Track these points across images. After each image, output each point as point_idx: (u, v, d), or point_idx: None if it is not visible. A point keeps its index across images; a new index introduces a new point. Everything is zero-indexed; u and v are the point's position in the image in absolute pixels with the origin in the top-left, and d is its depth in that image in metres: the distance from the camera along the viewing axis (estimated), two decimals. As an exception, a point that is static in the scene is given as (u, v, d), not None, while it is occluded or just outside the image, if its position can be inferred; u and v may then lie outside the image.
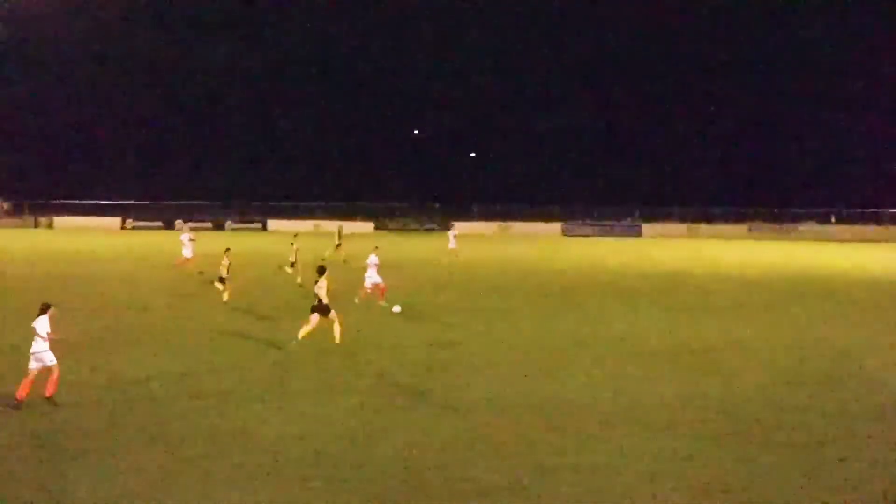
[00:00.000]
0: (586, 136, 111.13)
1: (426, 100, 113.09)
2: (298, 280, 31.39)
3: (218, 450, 12.42)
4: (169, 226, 79.66)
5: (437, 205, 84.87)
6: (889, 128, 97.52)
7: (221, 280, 27.65)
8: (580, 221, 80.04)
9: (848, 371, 18.44)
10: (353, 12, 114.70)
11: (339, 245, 41.65)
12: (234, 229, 79.31)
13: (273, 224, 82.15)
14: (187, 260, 35.74)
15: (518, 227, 78.78)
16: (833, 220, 79.21)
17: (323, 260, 29.94)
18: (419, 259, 45.89)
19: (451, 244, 44.32)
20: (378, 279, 26.98)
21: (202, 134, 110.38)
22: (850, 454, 12.60)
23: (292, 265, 32.49)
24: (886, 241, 69.31)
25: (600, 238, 72.48)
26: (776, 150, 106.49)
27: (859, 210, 79.47)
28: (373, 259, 27.11)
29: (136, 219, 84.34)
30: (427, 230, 78.97)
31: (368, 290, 26.92)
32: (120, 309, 26.05)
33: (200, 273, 33.87)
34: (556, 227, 78.75)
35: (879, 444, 13.06)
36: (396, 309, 24.62)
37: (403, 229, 79.40)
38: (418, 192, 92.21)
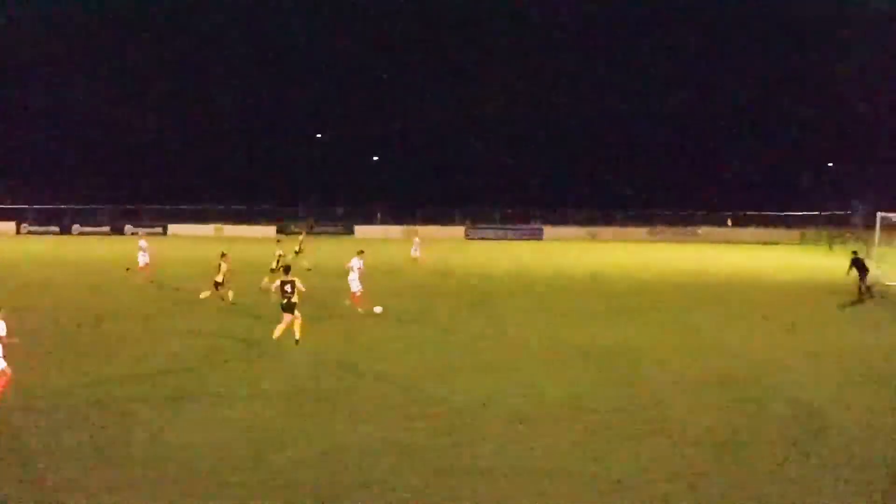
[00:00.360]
0: (489, 139, 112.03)
1: (330, 102, 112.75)
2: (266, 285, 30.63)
3: (126, 456, 12.28)
4: (66, 230, 78.01)
5: (339, 209, 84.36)
6: (784, 134, 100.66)
7: (216, 285, 27.73)
8: (483, 225, 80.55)
9: (753, 371, 19.01)
10: (251, 11, 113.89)
11: (299, 251, 39.07)
12: (133, 234, 77.71)
13: (174, 228, 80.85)
14: (146, 266, 35.51)
15: (422, 230, 78.93)
16: (730, 222, 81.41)
17: (272, 271, 30.46)
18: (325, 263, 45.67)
19: (415, 252, 43.70)
20: (357, 286, 26.14)
21: (97, 137, 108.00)
22: (750, 454, 13.04)
23: (272, 271, 31.50)
24: (781, 243, 71.41)
25: (502, 241, 73.06)
26: (675, 154, 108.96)
27: (756, 213, 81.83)
28: (355, 263, 26.39)
29: (32, 223, 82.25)
30: (326, 233, 78.45)
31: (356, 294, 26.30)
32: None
33: (127, 269, 35.77)
34: (460, 230, 79.15)
35: (780, 445, 13.51)
36: (378, 310, 25.05)
37: (308, 233, 78.60)
38: (321, 195, 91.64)
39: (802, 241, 71.73)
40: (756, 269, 46.11)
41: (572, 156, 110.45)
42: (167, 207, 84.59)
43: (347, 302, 26.54)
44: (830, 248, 64.13)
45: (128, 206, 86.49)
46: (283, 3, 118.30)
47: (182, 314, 26.14)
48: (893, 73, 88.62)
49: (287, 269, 21.75)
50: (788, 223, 78.43)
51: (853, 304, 30.44)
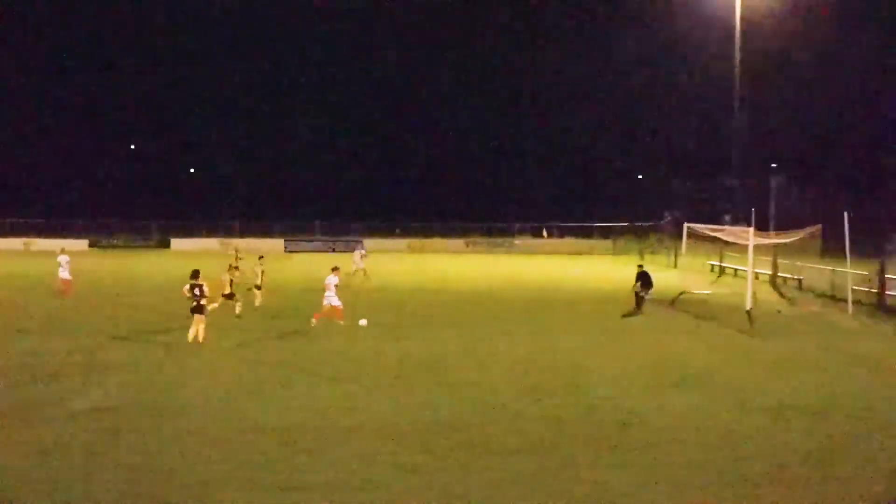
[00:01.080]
0: (308, 151, 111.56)
1: (145, 112, 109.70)
2: (257, 303, 30.73)
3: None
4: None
5: (154, 223, 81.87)
6: (595, 148, 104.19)
7: (258, 287, 30.08)
8: (301, 237, 79.82)
9: (568, 379, 19.62)
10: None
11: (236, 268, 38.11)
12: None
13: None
14: (68, 281, 34.58)
15: (239, 243, 77.55)
16: (545, 233, 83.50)
17: (257, 287, 30.90)
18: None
19: (358, 265, 42.37)
20: (337, 301, 26.54)
21: None
22: (569, 460, 13.48)
23: (258, 287, 31.08)
24: (594, 253, 73.81)
25: (322, 254, 72.65)
26: (490, 167, 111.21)
27: (570, 224, 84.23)
28: (332, 280, 26.70)
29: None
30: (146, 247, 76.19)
31: (324, 311, 26.51)
32: None
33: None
34: (279, 242, 78.21)
35: (601, 453, 14.00)
36: (363, 322, 25.82)
37: (123, 247, 76.03)
38: (136, 209, 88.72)
39: (615, 250, 74.32)
40: (569, 279, 47.52)
41: (391, 168, 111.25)
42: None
43: (314, 321, 26.60)
44: (642, 257, 66.73)
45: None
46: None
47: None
48: (699, 91, 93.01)
49: (196, 274, 22.86)
50: (602, 234, 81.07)
51: (633, 313, 31.61)
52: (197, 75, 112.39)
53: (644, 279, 32.56)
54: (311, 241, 78.46)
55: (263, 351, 22.91)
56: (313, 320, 26.73)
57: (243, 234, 79.30)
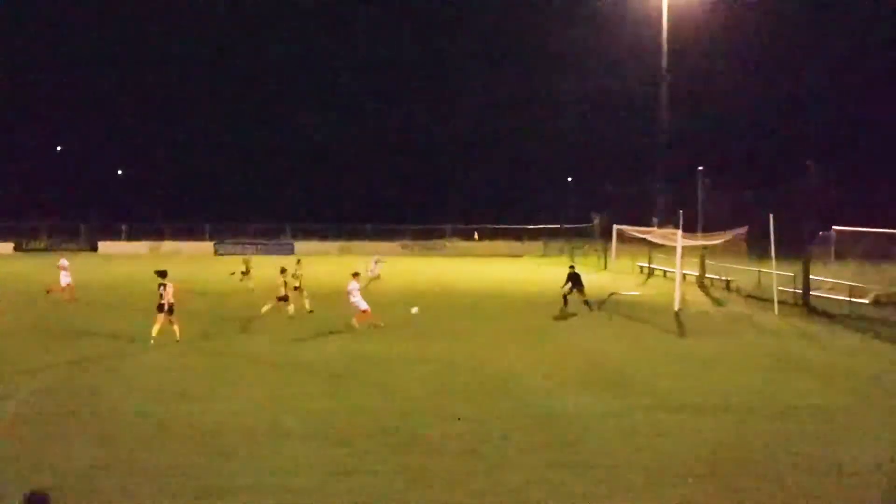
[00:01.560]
0: (236, 152, 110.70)
1: (74, 113, 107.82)
2: (307, 306, 31.52)
3: None
4: None
5: (83, 225, 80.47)
6: (526, 151, 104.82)
7: (296, 289, 30.94)
8: (232, 239, 79.12)
9: (498, 380, 19.68)
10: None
11: (245, 272, 40.26)
12: None
13: None
14: (67, 286, 34.69)
15: (168, 245, 76.70)
16: (476, 235, 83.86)
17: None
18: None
19: (373, 272, 41.01)
20: (364, 305, 27.17)
21: None
22: (501, 460, 13.52)
23: (297, 289, 31.74)
24: (525, 255, 74.25)
25: (253, 256, 71.99)
26: (424, 170, 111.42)
27: (502, 226, 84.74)
28: (354, 286, 27.24)
29: None
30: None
31: (358, 316, 27.07)
32: None
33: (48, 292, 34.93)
34: (209, 245, 77.45)
35: (529, 453, 14.06)
36: (414, 310, 27.69)
37: (49, 249, 74.55)
38: (64, 211, 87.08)
39: (545, 252, 74.85)
40: (499, 281, 47.71)
41: (322, 169, 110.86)
42: None
43: (354, 322, 27.00)
44: (572, 259, 67.33)
45: None
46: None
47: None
48: (627, 95, 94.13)
49: (163, 274, 24.29)
50: (533, 236, 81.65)
51: (563, 314, 31.91)
52: (116, 73, 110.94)
53: (574, 280, 32.84)
54: (242, 243, 77.71)
55: (194, 353, 22.64)
56: (354, 322, 27.05)
57: (173, 237, 78.39)
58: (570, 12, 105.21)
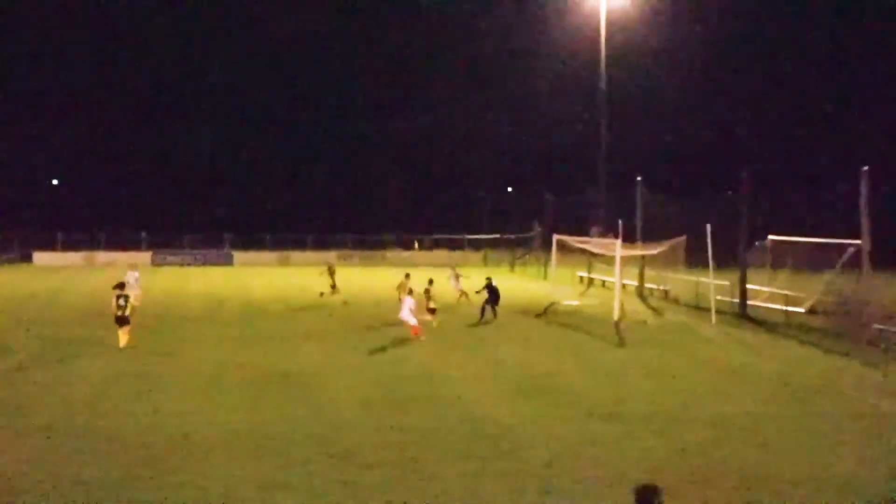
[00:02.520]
0: (173, 161, 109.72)
1: (6, 120, 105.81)
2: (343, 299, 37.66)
3: None
4: None
5: (15, 236, 78.75)
6: (469, 160, 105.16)
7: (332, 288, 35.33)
8: (170, 250, 78.07)
9: (435, 392, 19.53)
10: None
11: (333, 286, 40.65)
12: None
13: None
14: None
15: (104, 256, 75.43)
16: (416, 245, 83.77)
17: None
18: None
19: (456, 286, 39.41)
20: (413, 321, 27.47)
21: None
22: (438, 470, 13.37)
23: (333, 287, 38.14)
24: (467, 264, 74.24)
25: (190, 267, 71.27)
26: (362, 181, 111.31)
27: (440, 236, 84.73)
28: (408, 301, 27.69)
29: None
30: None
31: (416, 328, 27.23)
32: None
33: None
34: (146, 255, 76.33)
35: (466, 463, 13.91)
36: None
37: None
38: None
39: (486, 262, 74.96)
40: (439, 291, 47.51)
41: (261, 180, 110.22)
42: None
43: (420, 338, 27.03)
44: (512, 268, 67.56)
45: None
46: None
47: None
48: (567, 103, 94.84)
49: (121, 285, 25.14)
50: (473, 246, 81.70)
51: (484, 323, 31.94)
52: (48, 79, 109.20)
53: (490, 290, 32.94)
54: (179, 254, 76.73)
55: (126, 362, 22.18)
56: (419, 336, 27.12)
57: (109, 247, 77.11)
58: (509, 19, 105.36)
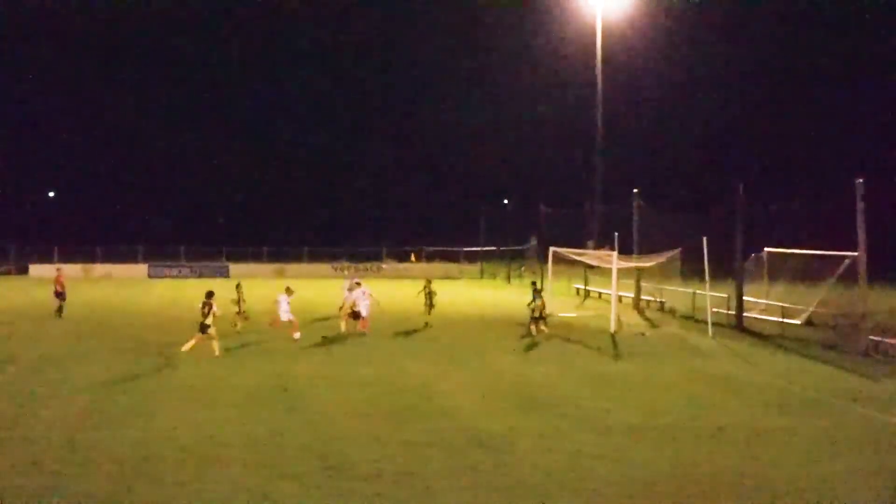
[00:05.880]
0: (170, 173, 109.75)
1: (3, 133, 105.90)
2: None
3: None
4: None
5: (12, 248, 78.60)
6: (462, 174, 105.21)
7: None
8: (165, 262, 77.92)
9: (431, 404, 19.49)
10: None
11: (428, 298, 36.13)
12: None
13: None
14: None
15: (101, 268, 75.28)
16: (413, 257, 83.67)
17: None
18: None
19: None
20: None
21: None
22: (434, 483, 13.33)
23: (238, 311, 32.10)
24: (463, 277, 74.17)
25: (187, 279, 71.15)
26: (357, 192, 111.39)
27: (439, 248, 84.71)
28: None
29: None
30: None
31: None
32: None
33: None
34: (143, 268, 76.21)
35: (462, 476, 13.87)
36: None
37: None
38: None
39: (483, 274, 74.93)
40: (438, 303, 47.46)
41: (258, 192, 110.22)
42: None
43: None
44: (509, 281, 67.57)
45: None
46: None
47: None
48: (563, 116, 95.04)
49: (210, 294, 25.70)
50: (470, 258, 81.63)
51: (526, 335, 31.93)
52: (46, 93, 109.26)
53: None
54: (176, 266, 76.62)
55: (120, 375, 22.10)
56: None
57: (106, 259, 76.96)
58: (507, 34, 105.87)
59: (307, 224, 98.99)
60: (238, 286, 32.76)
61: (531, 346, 29.60)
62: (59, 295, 37.10)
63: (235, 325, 31.37)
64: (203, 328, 25.31)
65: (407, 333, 32.62)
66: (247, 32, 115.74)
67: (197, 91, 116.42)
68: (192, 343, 25.55)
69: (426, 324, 34.67)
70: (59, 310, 36.96)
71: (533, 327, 32.23)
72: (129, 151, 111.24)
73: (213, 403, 19.07)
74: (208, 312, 25.31)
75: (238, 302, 31.99)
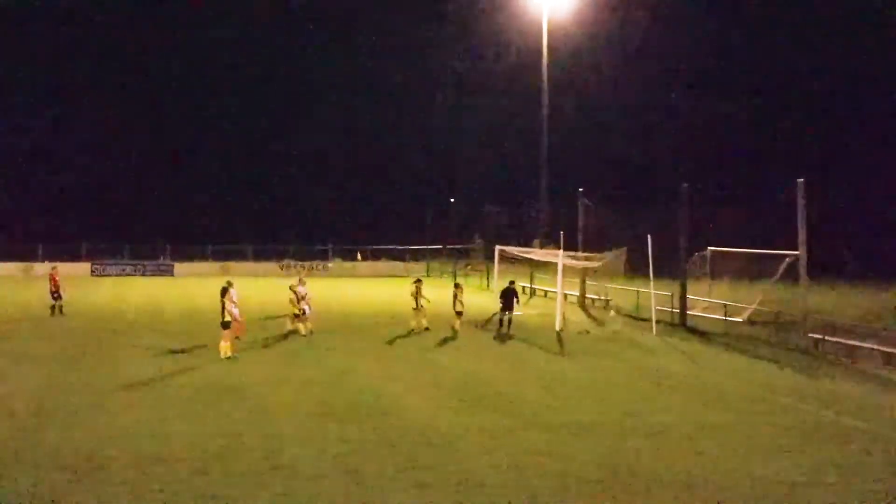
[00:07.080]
0: (112, 169, 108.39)
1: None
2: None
3: None
4: None
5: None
6: (408, 172, 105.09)
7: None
8: (110, 260, 76.94)
9: (377, 403, 19.48)
10: None
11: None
12: None
13: None
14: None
15: (42, 267, 74.06)
16: (359, 256, 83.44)
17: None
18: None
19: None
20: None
21: None
22: (381, 482, 13.34)
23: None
24: (408, 276, 74.11)
25: (131, 277, 70.33)
26: (303, 189, 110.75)
27: (383, 247, 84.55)
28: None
29: None
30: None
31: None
32: None
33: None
34: (86, 266, 75.14)
35: (409, 473, 13.89)
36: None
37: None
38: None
39: (429, 273, 74.98)
40: (374, 302, 47.35)
41: (204, 190, 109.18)
42: None
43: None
44: (455, 278, 67.60)
45: None
46: None
47: None
48: (509, 116, 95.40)
49: (224, 291, 25.32)
50: (416, 256, 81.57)
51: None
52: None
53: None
54: (119, 264, 75.70)
55: (66, 375, 21.81)
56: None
57: (46, 257, 75.75)
58: (452, 29, 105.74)
59: (252, 223, 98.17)
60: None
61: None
62: (55, 294, 36.61)
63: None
64: (225, 325, 25.15)
65: (350, 334, 32.51)
66: (189, 23, 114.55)
67: (136, 85, 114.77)
68: (226, 344, 25.19)
69: (427, 328, 32.54)
70: (59, 309, 36.43)
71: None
72: (69, 146, 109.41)
73: (158, 403, 18.89)
74: (223, 309, 25.17)
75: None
